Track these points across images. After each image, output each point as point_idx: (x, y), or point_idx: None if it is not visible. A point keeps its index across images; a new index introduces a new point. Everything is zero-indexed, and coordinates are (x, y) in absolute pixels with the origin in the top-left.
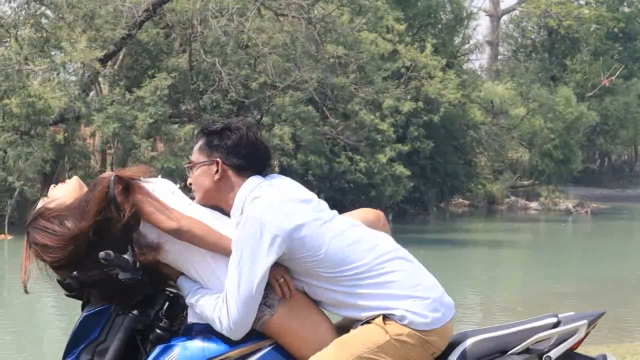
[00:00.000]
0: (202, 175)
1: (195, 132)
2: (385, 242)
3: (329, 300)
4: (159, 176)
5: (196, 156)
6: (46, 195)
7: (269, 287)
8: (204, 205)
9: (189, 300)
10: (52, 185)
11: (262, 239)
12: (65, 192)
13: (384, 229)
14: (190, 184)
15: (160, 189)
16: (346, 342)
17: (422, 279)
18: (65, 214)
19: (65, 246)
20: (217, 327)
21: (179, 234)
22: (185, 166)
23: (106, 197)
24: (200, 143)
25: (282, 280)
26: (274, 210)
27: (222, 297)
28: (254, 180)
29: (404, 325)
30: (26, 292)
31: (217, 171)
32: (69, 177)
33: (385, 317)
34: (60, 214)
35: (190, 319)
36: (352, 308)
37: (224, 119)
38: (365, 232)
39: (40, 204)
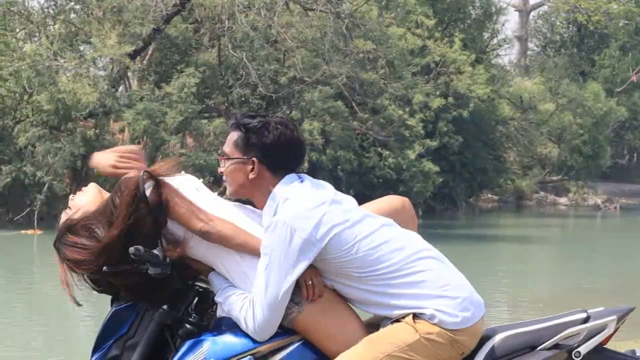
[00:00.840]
0: (236, 171)
1: (229, 124)
2: (415, 241)
3: (360, 299)
4: (183, 172)
5: (231, 149)
6: (68, 207)
7: (298, 284)
8: (235, 197)
9: (218, 298)
10: (70, 196)
11: (292, 245)
12: (86, 199)
13: (409, 214)
14: (221, 173)
15: (186, 185)
16: (376, 340)
17: (452, 278)
18: (92, 222)
19: (98, 257)
20: (243, 327)
21: (207, 235)
22: (217, 158)
23: (135, 197)
24: (235, 137)
25: (311, 283)
26: (304, 214)
27: (249, 299)
28: (287, 180)
29: (434, 324)
30: (78, 304)
31: (252, 169)
32: (97, 173)
33: (415, 316)
34: (87, 222)
35: (220, 313)
36: (382, 307)
37: (257, 113)
38: (395, 232)
39: (63, 217)
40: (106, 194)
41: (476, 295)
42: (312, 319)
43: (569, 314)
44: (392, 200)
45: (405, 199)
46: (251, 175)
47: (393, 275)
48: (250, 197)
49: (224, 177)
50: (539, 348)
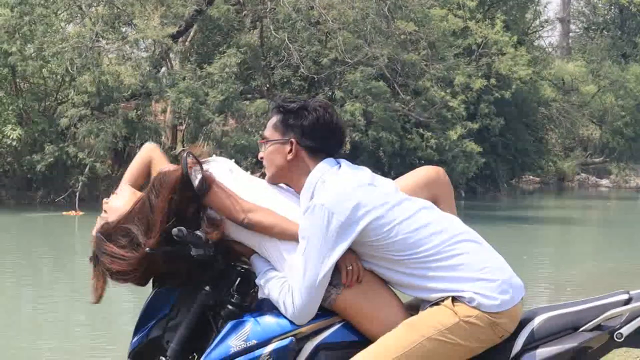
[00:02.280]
0: (274, 153)
1: (270, 107)
2: (454, 224)
3: (399, 282)
4: (214, 155)
5: (270, 132)
6: (103, 211)
7: (335, 268)
8: (273, 182)
9: (259, 281)
10: (104, 200)
11: (330, 229)
12: (121, 201)
13: (445, 183)
14: (262, 159)
15: (219, 169)
16: (415, 324)
17: (490, 261)
18: (129, 224)
19: (139, 266)
20: (282, 311)
21: (247, 227)
22: (258, 141)
23: (173, 192)
24: (275, 120)
25: (350, 268)
26: (342, 197)
27: (288, 283)
28: (325, 164)
29: (473, 307)
30: (97, 301)
31: (290, 151)
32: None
33: (454, 299)
34: (124, 225)
35: (261, 295)
36: (421, 290)
37: (297, 96)
38: (434, 215)
39: (99, 223)
40: (140, 194)
41: (515, 277)
42: (351, 301)
43: (610, 295)
44: (427, 171)
45: (440, 169)
46: (289, 157)
47: (432, 259)
48: (288, 181)
49: (264, 163)
50: (580, 329)
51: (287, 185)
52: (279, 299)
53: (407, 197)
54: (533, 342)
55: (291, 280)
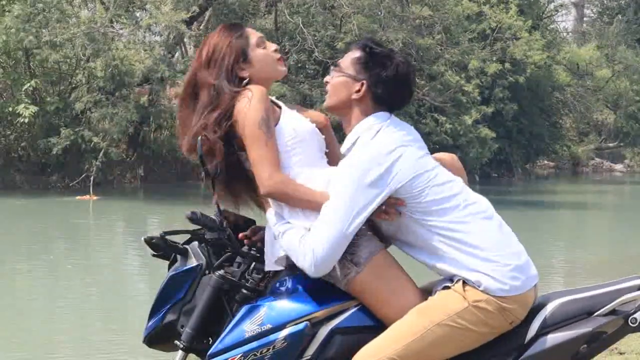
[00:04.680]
0: (342, 85)
1: (357, 43)
2: (480, 202)
3: (421, 245)
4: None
5: (346, 65)
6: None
7: (358, 244)
8: (329, 110)
9: (278, 228)
10: None
11: (365, 182)
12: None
13: (458, 168)
14: (326, 83)
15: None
16: (425, 310)
17: (507, 244)
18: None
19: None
20: (299, 260)
21: (271, 196)
22: (331, 67)
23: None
24: (356, 55)
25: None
26: (382, 152)
27: (313, 231)
28: (380, 116)
29: (482, 291)
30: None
31: (358, 91)
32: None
33: (465, 283)
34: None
35: (269, 265)
36: (435, 259)
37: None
38: (463, 189)
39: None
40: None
41: (530, 265)
42: (369, 281)
43: (625, 280)
44: (440, 156)
45: (453, 155)
46: (354, 96)
47: (449, 233)
48: (342, 115)
49: (327, 87)
50: (595, 314)
51: (339, 117)
52: (299, 248)
53: (440, 165)
54: (547, 327)
55: (316, 229)
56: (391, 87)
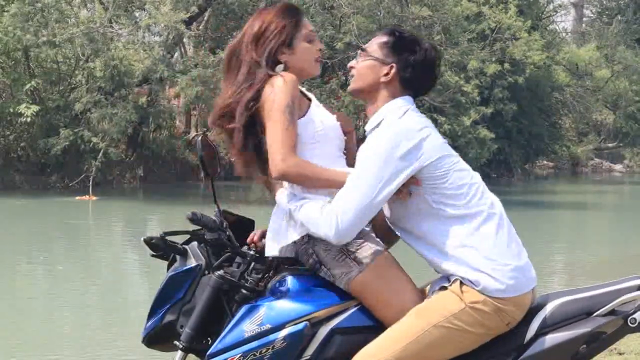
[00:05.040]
0: (369, 69)
1: (383, 30)
2: (493, 198)
3: (425, 236)
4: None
5: (374, 48)
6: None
7: (361, 244)
8: (353, 94)
9: (294, 203)
10: None
11: (395, 154)
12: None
13: None
14: (350, 68)
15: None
16: (422, 311)
17: (509, 245)
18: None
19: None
20: (321, 228)
21: (284, 179)
22: (358, 51)
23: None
24: (384, 39)
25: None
26: (412, 129)
27: (338, 198)
28: (408, 99)
29: (479, 291)
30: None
31: (386, 74)
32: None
33: (462, 284)
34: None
35: (271, 251)
36: (429, 250)
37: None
38: (478, 182)
39: None
40: None
41: (529, 267)
42: (370, 281)
43: (624, 280)
44: None
45: None
46: (383, 79)
47: (456, 225)
48: (368, 99)
49: (351, 72)
50: (594, 314)
51: (363, 100)
52: (320, 216)
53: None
54: (547, 327)
55: (342, 197)
56: (419, 71)
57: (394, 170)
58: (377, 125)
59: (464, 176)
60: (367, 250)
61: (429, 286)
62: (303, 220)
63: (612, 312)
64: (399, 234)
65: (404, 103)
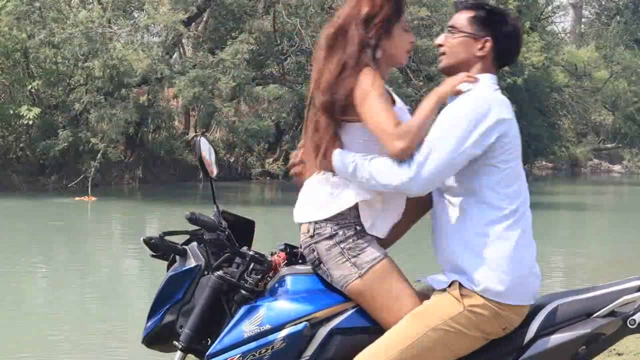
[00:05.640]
0: (462, 45)
1: (457, 4)
2: (528, 208)
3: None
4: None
5: (463, 24)
6: None
7: (363, 248)
8: (445, 72)
9: (359, 158)
10: None
11: (484, 120)
12: None
13: None
14: (439, 46)
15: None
16: (420, 315)
17: (526, 252)
18: None
19: None
20: (394, 177)
21: (409, 150)
22: (447, 29)
23: None
24: (472, 14)
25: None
26: (503, 104)
27: (421, 150)
28: (495, 79)
29: (479, 293)
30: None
31: (481, 48)
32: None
33: (461, 286)
34: None
35: (303, 216)
36: (449, 237)
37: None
38: (524, 182)
39: None
40: None
41: (538, 278)
42: (369, 287)
43: (624, 281)
44: None
45: None
46: (478, 53)
47: (493, 211)
48: (452, 74)
49: (442, 50)
50: (594, 315)
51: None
52: (395, 165)
53: None
54: (546, 329)
55: (425, 151)
56: (511, 42)
57: (482, 134)
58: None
59: (520, 174)
60: (368, 255)
61: (426, 289)
62: (374, 171)
63: (611, 313)
64: (431, 212)
65: (495, 81)
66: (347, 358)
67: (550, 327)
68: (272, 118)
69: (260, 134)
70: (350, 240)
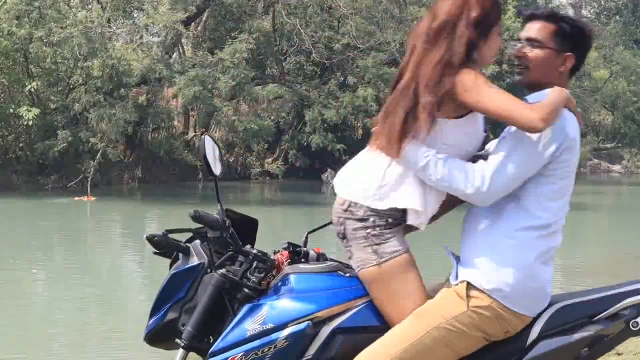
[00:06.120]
0: (546, 60)
1: (525, 13)
2: (562, 223)
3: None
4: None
5: (545, 38)
6: None
7: (387, 238)
8: (525, 85)
9: (435, 155)
10: None
11: (559, 138)
12: None
13: None
14: (516, 57)
15: None
16: (423, 314)
17: (547, 266)
18: None
19: None
20: (460, 184)
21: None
22: (524, 40)
23: None
24: (554, 27)
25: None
26: (575, 124)
27: (492, 162)
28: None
29: (487, 294)
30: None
31: (563, 64)
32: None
33: (469, 286)
34: None
35: (348, 193)
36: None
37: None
38: (567, 202)
39: None
40: None
41: (549, 293)
42: (383, 276)
43: (627, 284)
44: None
45: None
46: (561, 69)
47: (518, 234)
48: (535, 91)
49: (522, 62)
50: (596, 318)
51: (530, 90)
52: (464, 174)
53: None
54: (549, 331)
55: (494, 163)
56: (583, 57)
57: (553, 153)
58: None
59: (568, 192)
60: (390, 246)
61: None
62: (448, 174)
63: (614, 316)
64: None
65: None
66: (350, 357)
67: (553, 329)
68: (272, 118)
69: (260, 133)
70: (378, 228)
